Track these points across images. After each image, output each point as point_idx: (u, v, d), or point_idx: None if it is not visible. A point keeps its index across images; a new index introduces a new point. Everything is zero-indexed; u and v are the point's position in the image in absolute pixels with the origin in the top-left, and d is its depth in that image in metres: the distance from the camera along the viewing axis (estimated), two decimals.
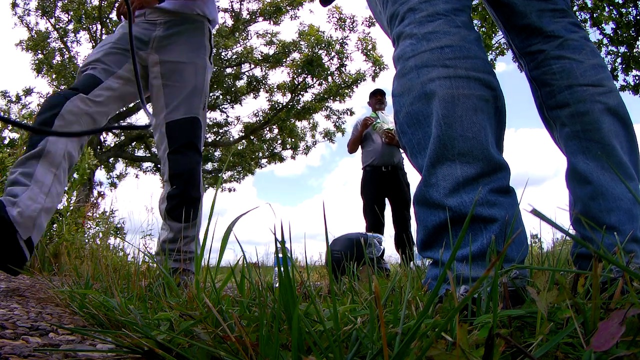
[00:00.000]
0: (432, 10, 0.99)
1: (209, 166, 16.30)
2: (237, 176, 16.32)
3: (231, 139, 16.17)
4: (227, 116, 16.01)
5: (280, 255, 0.53)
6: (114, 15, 14.77)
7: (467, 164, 0.87)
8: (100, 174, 15.59)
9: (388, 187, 4.41)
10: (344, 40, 15.08)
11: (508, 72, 23.60)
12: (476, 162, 0.87)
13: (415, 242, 1.01)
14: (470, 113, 0.89)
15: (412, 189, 4.50)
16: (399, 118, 1.00)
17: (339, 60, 15.21)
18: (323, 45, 14.94)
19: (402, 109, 0.98)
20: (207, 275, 0.81)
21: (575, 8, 7.10)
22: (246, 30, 15.35)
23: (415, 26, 1.00)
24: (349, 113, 16.12)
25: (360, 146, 4.68)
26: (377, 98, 4.71)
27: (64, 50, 14.93)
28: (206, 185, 15.73)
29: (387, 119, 4.46)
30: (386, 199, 4.50)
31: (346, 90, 15.46)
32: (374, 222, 4.32)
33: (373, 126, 4.48)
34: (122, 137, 15.39)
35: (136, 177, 16.34)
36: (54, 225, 3.38)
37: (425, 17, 0.99)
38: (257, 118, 15.99)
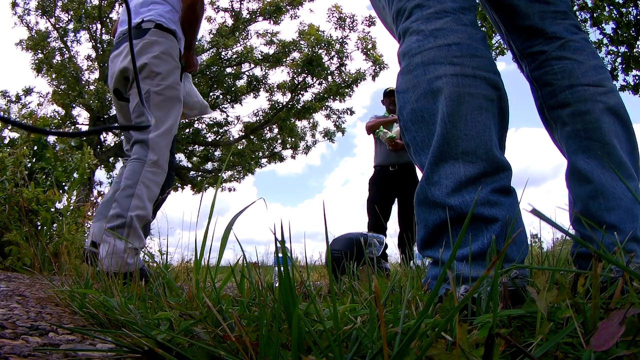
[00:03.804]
0: (439, 7, 0.99)
1: (208, 166, 16.31)
2: (237, 176, 16.33)
3: (231, 138, 16.18)
4: (227, 116, 16.02)
5: (280, 254, 0.53)
6: (114, 15, 14.78)
7: (470, 163, 0.87)
8: (100, 174, 15.61)
9: (396, 186, 4.38)
10: (344, 40, 15.09)
11: (508, 72, 23.63)
12: (479, 162, 0.87)
13: (415, 242, 1.01)
14: (475, 112, 0.89)
15: None
16: (403, 115, 0.99)
17: (339, 60, 15.22)
18: (323, 44, 14.94)
19: (407, 106, 0.98)
20: (207, 274, 0.81)
21: (575, 8, 7.10)
22: (246, 30, 15.35)
23: (422, 22, 0.99)
24: (349, 112, 16.13)
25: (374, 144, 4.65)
26: (391, 99, 4.61)
27: (64, 49, 14.93)
28: (206, 185, 15.74)
29: None
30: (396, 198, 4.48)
31: (346, 90, 15.46)
32: (375, 223, 4.32)
33: (376, 133, 4.45)
34: (122, 137, 15.38)
35: None
36: (54, 225, 3.38)
37: (432, 14, 0.99)
38: (257, 117, 15.99)
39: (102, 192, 5.07)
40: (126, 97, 2.28)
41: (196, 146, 16.05)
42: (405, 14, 1.05)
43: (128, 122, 2.33)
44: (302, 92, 15.70)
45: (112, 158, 15.46)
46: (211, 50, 14.96)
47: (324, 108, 15.90)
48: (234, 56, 15.08)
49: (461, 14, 0.99)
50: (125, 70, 2.21)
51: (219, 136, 16.22)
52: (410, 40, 1.00)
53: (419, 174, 4.66)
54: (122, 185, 2.12)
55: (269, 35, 15.32)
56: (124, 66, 2.20)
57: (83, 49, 38.98)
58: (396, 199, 4.46)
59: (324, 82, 15.51)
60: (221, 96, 15.54)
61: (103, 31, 15.11)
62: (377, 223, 4.27)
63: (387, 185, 4.40)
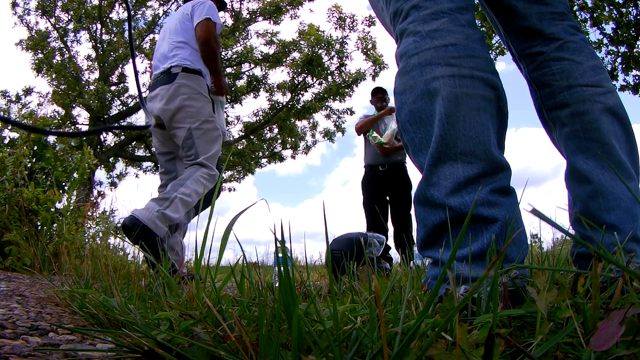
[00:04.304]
0: (436, 8, 0.99)
1: None
2: (237, 176, 16.31)
3: (231, 138, 16.16)
4: (227, 116, 16.00)
5: (280, 254, 0.53)
6: (114, 15, 14.79)
7: (469, 163, 0.87)
8: (100, 174, 15.61)
9: (387, 185, 4.38)
10: (344, 40, 15.09)
11: (508, 72, 23.62)
12: (478, 162, 0.87)
13: (414, 242, 1.01)
14: (473, 112, 0.89)
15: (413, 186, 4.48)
16: (401, 116, 0.99)
17: (339, 60, 15.21)
18: (323, 44, 14.94)
19: (405, 107, 0.98)
20: (207, 274, 0.81)
21: (575, 8, 7.10)
22: (246, 30, 15.34)
23: (419, 23, 0.99)
24: (349, 112, 16.13)
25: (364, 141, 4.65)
26: (378, 96, 4.66)
27: (64, 49, 14.93)
28: None
29: (393, 124, 4.34)
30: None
31: (346, 90, 15.45)
32: (373, 223, 4.31)
33: (367, 136, 4.42)
34: (122, 137, 15.39)
35: (136, 176, 16.35)
36: (54, 225, 3.38)
37: (429, 14, 0.99)
38: (257, 117, 15.98)
39: (102, 192, 5.07)
40: (163, 124, 2.71)
41: None
42: (403, 15, 1.04)
43: (164, 146, 2.80)
44: (302, 92, 15.69)
45: (112, 158, 15.45)
46: None
47: (324, 108, 15.89)
48: (234, 56, 15.07)
49: (458, 14, 0.99)
50: (163, 112, 2.64)
51: None
52: (407, 42, 1.00)
53: (410, 172, 4.62)
54: (177, 179, 2.52)
55: (269, 35, 15.32)
56: (161, 108, 2.63)
57: (83, 49, 39.04)
58: (390, 198, 4.43)
59: (324, 82, 15.50)
60: None
61: (103, 31, 15.11)
62: (375, 224, 4.27)
63: (378, 185, 4.40)
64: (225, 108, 15.87)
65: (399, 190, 4.36)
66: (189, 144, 2.58)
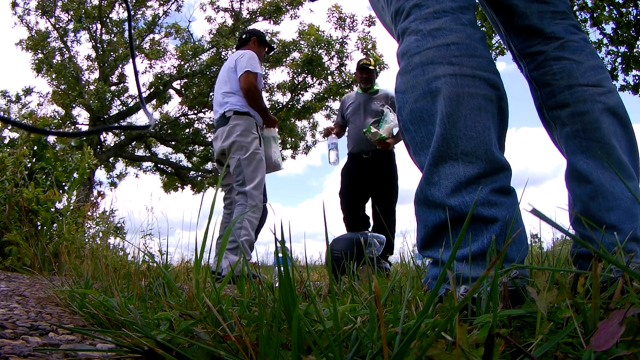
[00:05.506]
0: (438, 7, 0.99)
1: (208, 166, 16.31)
2: None
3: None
4: None
5: (280, 254, 0.53)
6: (114, 15, 14.79)
7: (470, 163, 0.87)
8: (100, 174, 15.62)
9: (371, 175, 4.06)
10: (344, 40, 15.09)
11: (509, 72, 23.63)
12: (479, 162, 0.87)
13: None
14: (474, 112, 0.89)
15: (401, 176, 4.16)
16: (403, 115, 0.99)
17: (339, 60, 15.21)
18: (323, 44, 14.94)
19: (406, 106, 0.98)
20: (207, 274, 0.81)
21: (575, 8, 7.10)
22: None
23: (420, 22, 0.99)
24: None
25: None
26: (363, 76, 4.25)
27: (64, 49, 14.93)
28: (206, 185, 15.74)
29: (390, 117, 3.98)
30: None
31: (346, 90, 15.44)
32: (349, 212, 4.06)
33: (365, 132, 4.04)
34: (122, 137, 15.39)
35: (136, 176, 16.37)
36: (54, 225, 3.38)
37: (431, 13, 0.99)
38: None
39: (102, 192, 5.06)
40: (223, 163, 3.48)
41: (196, 146, 16.04)
42: (404, 14, 1.04)
43: (224, 179, 3.47)
44: (302, 92, 15.69)
45: (112, 158, 15.45)
46: (211, 50, 14.96)
47: (324, 108, 15.89)
48: None
49: (460, 14, 0.99)
50: (223, 150, 3.36)
51: None
52: (408, 40, 1.00)
53: (398, 159, 4.30)
54: (236, 223, 3.12)
55: (269, 35, 15.32)
56: (222, 147, 3.35)
57: (83, 49, 38.95)
58: (372, 190, 4.08)
59: (324, 82, 15.50)
60: None
61: (103, 31, 15.11)
62: (352, 214, 4.04)
63: (360, 174, 4.08)
64: None
65: (383, 179, 4.01)
66: (239, 171, 3.28)
